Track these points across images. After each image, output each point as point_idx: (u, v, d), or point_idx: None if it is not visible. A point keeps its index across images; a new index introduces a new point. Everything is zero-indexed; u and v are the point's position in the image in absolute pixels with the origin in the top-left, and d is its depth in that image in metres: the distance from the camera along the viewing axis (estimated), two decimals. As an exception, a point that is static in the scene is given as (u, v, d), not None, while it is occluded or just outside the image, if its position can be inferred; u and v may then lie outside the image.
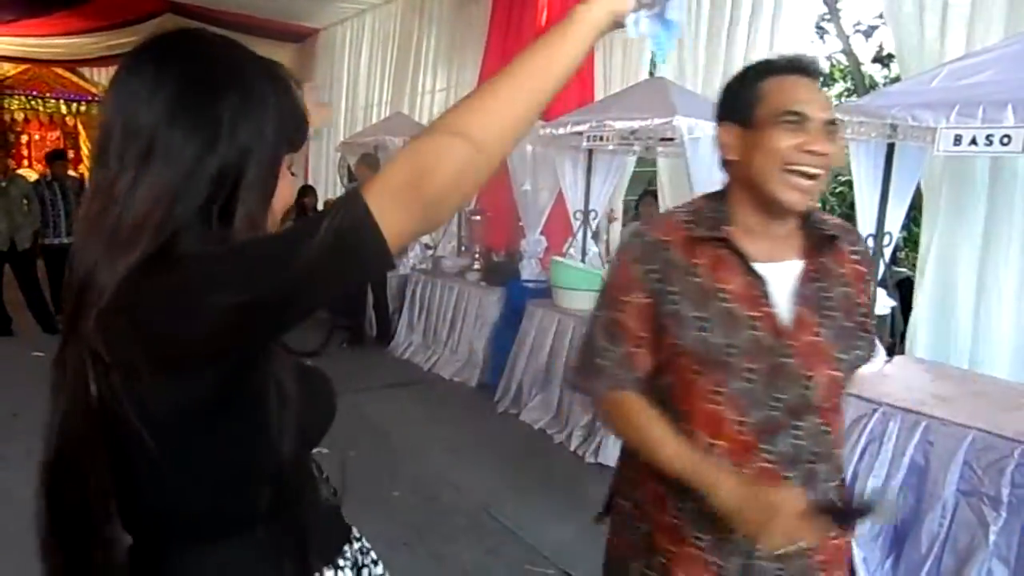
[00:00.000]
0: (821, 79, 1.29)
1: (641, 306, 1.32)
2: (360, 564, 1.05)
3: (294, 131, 0.90)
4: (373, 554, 1.11)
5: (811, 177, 1.22)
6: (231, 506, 0.87)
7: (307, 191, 8.84)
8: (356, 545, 1.07)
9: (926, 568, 2.74)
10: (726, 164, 1.34)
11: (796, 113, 1.22)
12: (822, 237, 1.31)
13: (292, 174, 0.94)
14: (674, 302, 1.28)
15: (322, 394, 0.98)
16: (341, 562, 1.00)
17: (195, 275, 0.74)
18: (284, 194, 0.92)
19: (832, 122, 1.24)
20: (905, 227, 3.60)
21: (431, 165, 0.71)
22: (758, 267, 1.27)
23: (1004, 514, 2.56)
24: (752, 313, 1.26)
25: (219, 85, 0.83)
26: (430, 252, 7.13)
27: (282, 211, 0.93)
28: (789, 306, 1.27)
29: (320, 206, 8.63)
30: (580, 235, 5.36)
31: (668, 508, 1.33)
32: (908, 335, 3.83)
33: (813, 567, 1.31)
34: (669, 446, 1.25)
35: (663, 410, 1.30)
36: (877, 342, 1.37)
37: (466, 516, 3.54)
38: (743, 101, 1.28)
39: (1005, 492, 2.55)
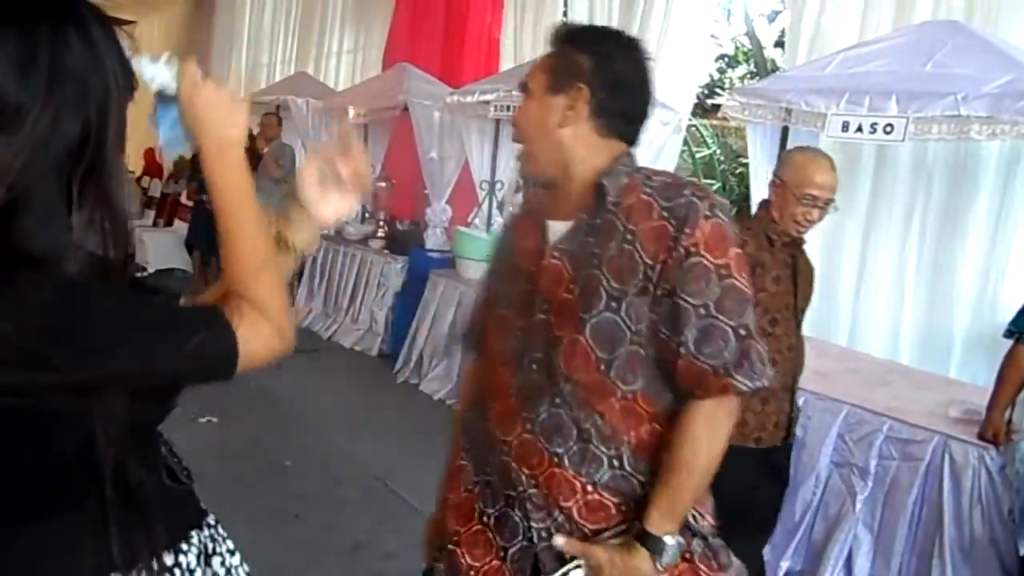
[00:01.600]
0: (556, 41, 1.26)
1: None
2: (210, 551, 1.00)
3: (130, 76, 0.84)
4: (230, 543, 1.05)
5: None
6: (50, 488, 0.82)
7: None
8: (207, 532, 1.01)
9: (799, 534, 2.89)
10: None
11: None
12: (598, 191, 1.19)
13: None
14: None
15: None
16: (184, 546, 0.95)
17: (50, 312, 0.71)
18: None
19: (523, 84, 1.29)
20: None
21: (267, 303, 0.88)
22: (550, 222, 1.24)
23: (870, 484, 2.72)
24: (531, 267, 1.23)
25: (54, 26, 0.74)
26: (333, 218, 6.95)
27: None
28: (547, 259, 1.21)
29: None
30: (486, 206, 5.34)
31: (464, 482, 1.34)
32: (796, 314, 4.01)
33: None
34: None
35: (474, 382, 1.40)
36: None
37: (360, 486, 3.50)
38: None
39: (873, 463, 2.71)
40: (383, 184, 6.39)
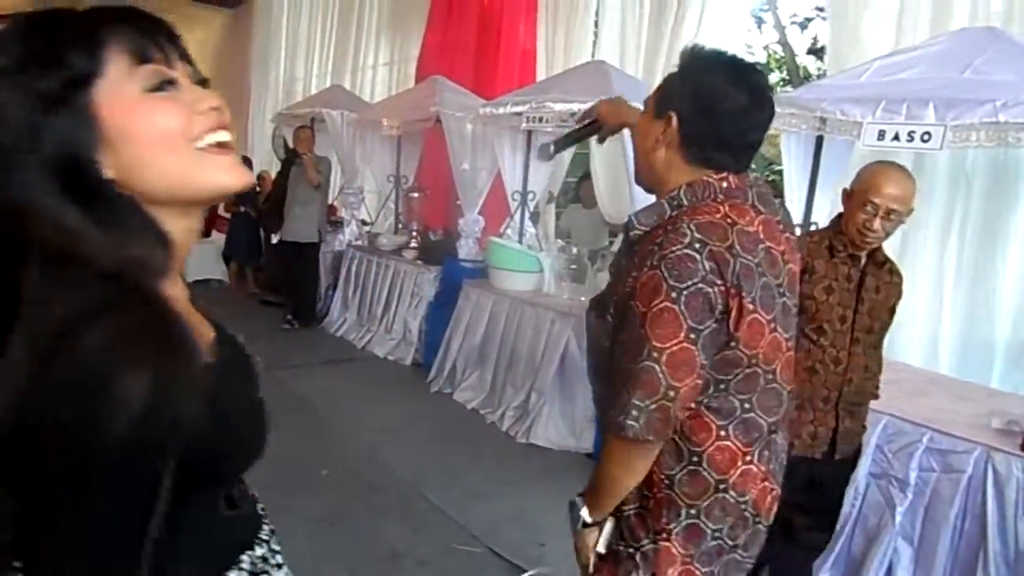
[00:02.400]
0: None
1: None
2: (259, 571, 0.93)
3: (138, 40, 0.76)
4: (280, 557, 0.99)
5: None
6: None
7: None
8: (259, 551, 0.95)
9: (837, 546, 2.85)
10: None
11: None
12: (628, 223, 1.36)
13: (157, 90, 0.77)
14: None
15: (251, 430, 0.87)
16: (233, 574, 0.89)
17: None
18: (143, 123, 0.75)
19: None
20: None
21: None
22: None
23: (910, 495, 2.68)
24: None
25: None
26: (367, 229, 7.03)
27: (167, 144, 0.76)
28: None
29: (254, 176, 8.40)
30: (518, 216, 5.37)
31: None
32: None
33: None
34: None
35: None
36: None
37: (395, 494, 3.53)
38: None
39: (913, 475, 2.67)
40: (416, 195, 6.46)
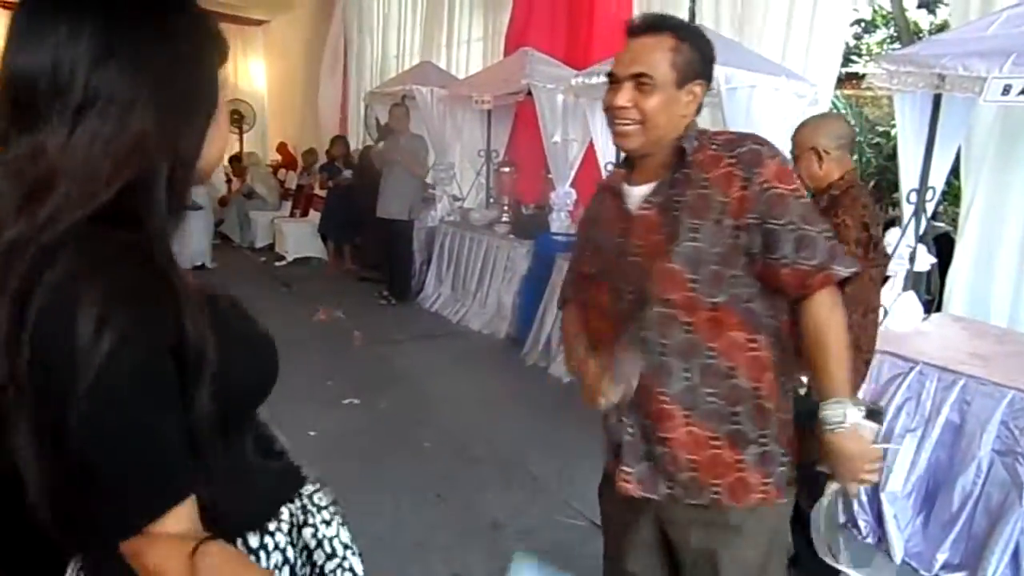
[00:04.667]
0: (648, 30, 1.45)
1: (573, 256, 1.73)
2: (300, 523, 0.99)
3: (221, 46, 0.85)
4: (328, 512, 1.02)
5: (622, 125, 1.44)
6: None
7: (336, 141, 8.80)
8: (299, 503, 1.00)
9: (958, 525, 2.73)
10: None
11: (610, 74, 1.48)
12: (676, 152, 1.45)
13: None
14: (587, 241, 1.65)
15: (261, 358, 0.93)
16: (272, 525, 0.95)
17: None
18: (219, 147, 0.87)
19: (637, 75, 1.41)
20: (946, 181, 3.49)
21: None
22: (628, 189, 1.52)
23: (1041, 474, 2.53)
24: (620, 225, 1.51)
25: (151, 15, 0.77)
26: (459, 204, 7.09)
27: (214, 166, 0.89)
28: (637, 212, 1.48)
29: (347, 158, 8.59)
30: (611, 188, 5.29)
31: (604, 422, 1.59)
32: (946, 292, 3.76)
33: (678, 458, 1.45)
34: (567, 338, 1.67)
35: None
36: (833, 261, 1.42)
37: (496, 467, 3.58)
38: None
39: (1043, 452, 2.52)
40: (507, 169, 6.46)
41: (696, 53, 1.43)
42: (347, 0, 10.48)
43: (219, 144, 0.87)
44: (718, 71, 3.78)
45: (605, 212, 1.57)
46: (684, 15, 5.41)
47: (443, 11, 8.46)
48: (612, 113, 1.45)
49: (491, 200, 6.86)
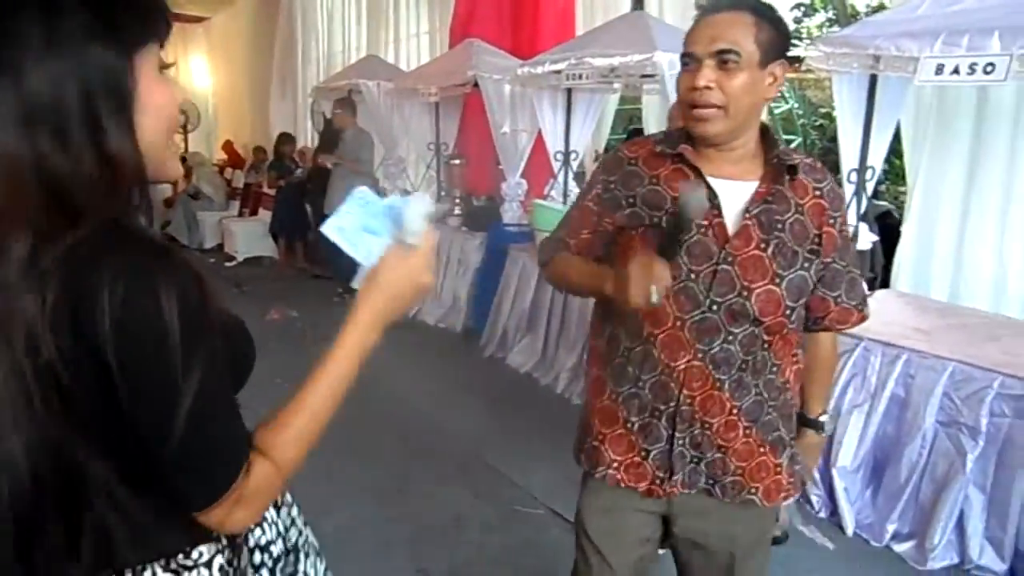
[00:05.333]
0: (726, 7, 1.34)
1: (587, 209, 1.53)
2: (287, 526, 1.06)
3: (139, 20, 0.78)
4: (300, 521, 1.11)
5: (704, 110, 1.33)
6: None
7: (285, 139, 8.66)
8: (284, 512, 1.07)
9: (905, 496, 2.81)
10: None
11: (686, 55, 1.35)
12: (781, 166, 1.39)
13: (163, 72, 0.82)
14: (631, 204, 1.45)
15: (243, 341, 0.95)
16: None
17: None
18: (163, 101, 0.80)
19: (722, 51, 1.30)
20: (885, 160, 3.57)
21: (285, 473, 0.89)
22: (712, 180, 1.38)
23: (982, 443, 2.61)
24: (703, 221, 1.37)
25: None
26: (410, 198, 7.03)
27: (169, 126, 0.83)
28: (737, 220, 1.38)
29: (296, 155, 8.46)
30: (561, 177, 5.31)
31: (607, 392, 1.52)
32: (893, 269, 3.86)
33: (728, 465, 1.47)
34: (583, 270, 1.50)
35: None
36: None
37: (455, 460, 3.57)
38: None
39: (984, 421, 2.60)
40: (457, 161, 6.43)
41: (776, 31, 1.33)
42: None
43: (162, 95, 0.81)
44: (661, 57, 3.86)
45: (679, 187, 1.38)
46: (626, 3, 5.45)
47: (388, 6, 8.37)
48: (691, 96, 1.33)
49: (442, 193, 6.82)
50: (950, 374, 2.71)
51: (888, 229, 4.16)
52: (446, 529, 2.99)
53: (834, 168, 3.59)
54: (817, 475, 3.00)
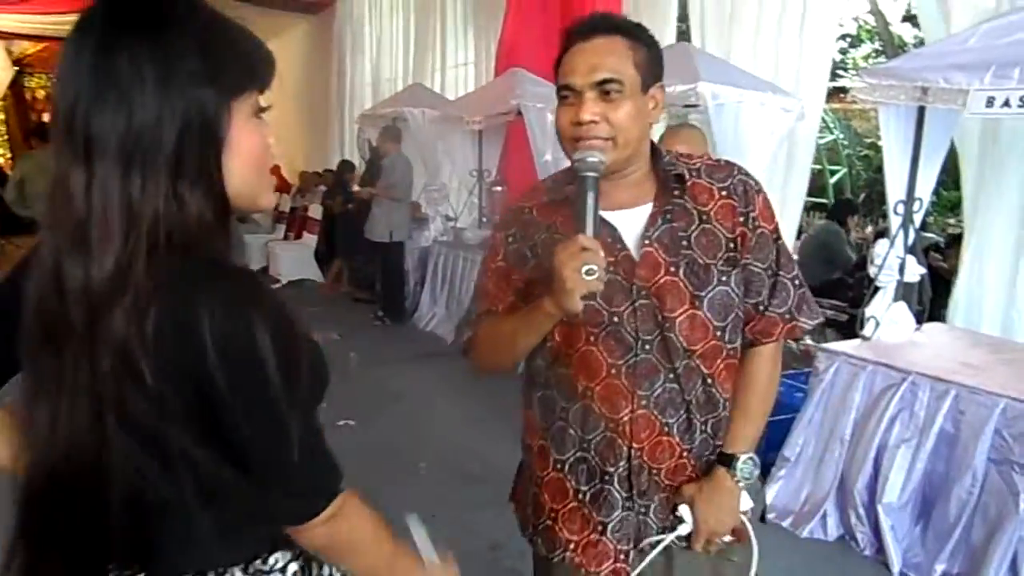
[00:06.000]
0: (598, 31, 1.24)
1: (499, 269, 1.39)
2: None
3: (243, 69, 0.84)
4: None
5: (592, 142, 1.21)
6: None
7: (346, 166, 8.77)
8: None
9: (955, 535, 2.73)
10: None
11: (564, 87, 1.25)
12: (668, 177, 1.30)
13: (258, 116, 0.87)
14: (535, 254, 1.34)
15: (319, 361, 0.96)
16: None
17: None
18: (252, 144, 0.85)
19: (604, 81, 1.20)
20: (934, 191, 3.53)
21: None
22: (607, 215, 1.26)
23: (1036, 482, 2.54)
24: (608, 258, 1.20)
25: (127, 35, 0.76)
26: (452, 224, 7.12)
27: (258, 166, 0.87)
28: (638, 248, 1.28)
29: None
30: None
31: (550, 462, 1.39)
32: (951, 302, 3.79)
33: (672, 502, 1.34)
34: (516, 316, 1.32)
35: (548, 362, 1.36)
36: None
37: (492, 486, 3.55)
38: None
39: (1038, 460, 2.53)
40: (499, 188, 6.49)
41: (649, 52, 1.26)
42: (341, 25, 10.56)
43: (252, 138, 0.85)
44: (705, 88, 3.88)
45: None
46: (672, 32, 5.49)
47: (434, 36, 8.52)
48: (575, 131, 1.23)
49: (484, 219, 6.88)
50: (1002, 410, 2.64)
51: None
52: (481, 556, 2.98)
53: (882, 198, 3.54)
54: (862, 511, 2.94)
